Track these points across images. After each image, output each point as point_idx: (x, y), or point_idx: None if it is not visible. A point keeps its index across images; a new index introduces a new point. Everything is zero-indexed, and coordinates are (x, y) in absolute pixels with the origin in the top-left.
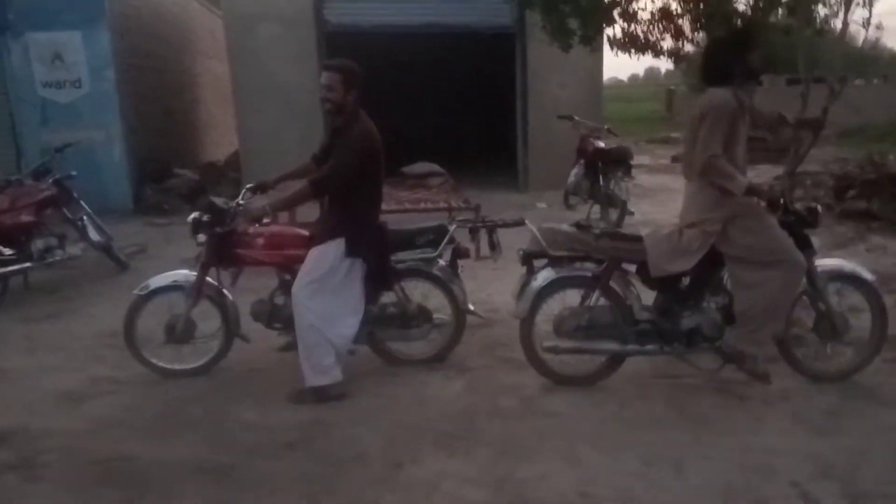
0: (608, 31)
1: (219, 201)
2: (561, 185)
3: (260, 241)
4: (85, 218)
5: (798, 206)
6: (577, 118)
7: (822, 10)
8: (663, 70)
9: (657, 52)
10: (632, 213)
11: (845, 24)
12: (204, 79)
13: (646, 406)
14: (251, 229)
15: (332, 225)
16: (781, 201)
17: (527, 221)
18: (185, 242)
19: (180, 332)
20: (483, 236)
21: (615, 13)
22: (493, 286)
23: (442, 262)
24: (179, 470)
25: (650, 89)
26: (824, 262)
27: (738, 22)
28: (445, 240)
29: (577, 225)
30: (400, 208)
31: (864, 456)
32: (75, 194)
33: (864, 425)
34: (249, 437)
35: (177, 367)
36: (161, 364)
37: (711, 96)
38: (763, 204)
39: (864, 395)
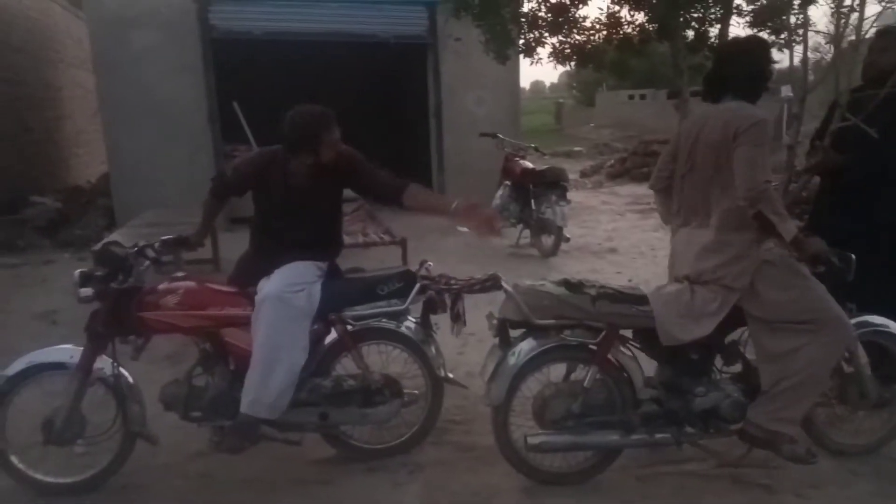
0: (552, 40)
1: (117, 249)
2: (482, 207)
3: (172, 300)
4: None
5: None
6: (500, 136)
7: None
8: (548, 83)
9: (600, 65)
10: (567, 240)
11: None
12: (70, 92)
13: None
14: (160, 285)
15: (305, 249)
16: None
17: (503, 281)
18: (41, 289)
19: (60, 431)
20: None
21: (560, 20)
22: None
23: (412, 319)
24: None
25: (537, 102)
26: (852, 320)
27: (691, 34)
28: (415, 289)
29: (566, 283)
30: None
31: None
32: None
33: None
34: None
35: (58, 480)
36: (36, 475)
37: (747, 111)
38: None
39: None
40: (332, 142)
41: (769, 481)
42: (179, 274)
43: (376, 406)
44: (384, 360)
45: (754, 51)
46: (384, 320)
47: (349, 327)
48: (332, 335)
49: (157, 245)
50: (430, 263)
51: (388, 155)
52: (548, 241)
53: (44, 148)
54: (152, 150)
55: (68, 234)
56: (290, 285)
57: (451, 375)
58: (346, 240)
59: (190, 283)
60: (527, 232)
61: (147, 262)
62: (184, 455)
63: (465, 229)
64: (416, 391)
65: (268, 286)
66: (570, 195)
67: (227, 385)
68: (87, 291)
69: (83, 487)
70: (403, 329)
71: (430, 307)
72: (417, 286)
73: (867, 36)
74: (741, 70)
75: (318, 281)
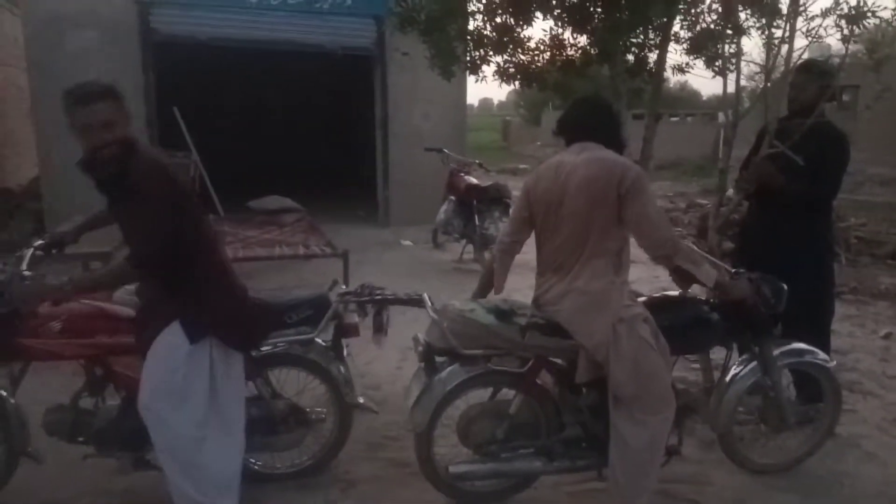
0: (497, 59)
1: None
2: (425, 221)
3: (55, 325)
4: None
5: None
6: (446, 151)
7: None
8: (496, 101)
9: (544, 85)
10: None
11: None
12: (4, 92)
13: None
14: (43, 309)
15: (161, 305)
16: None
17: (428, 304)
18: None
19: None
20: (370, 312)
21: (505, 40)
22: (369, 353)
23: (322, 343)
24: None
25: (485, 119)
26: (780, 347)
27: (631, 59)
28: (327, 316)
29: (497, 310)
30: (250, 255)
31: None
32: None
33: None
34: None
35: None
36: None
37: (625, 160)
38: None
39: (823, 493)
40: (81, 124)
41: (697, 497)
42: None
43: (279, 434)
44: (296, 383)
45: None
46: (293, 346)
47: (253, 353)
48: None
49: (28, 256)
50: (344, 286)
51: (333, 167)
52: (488, 254)
53: None
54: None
55: None
56: (159, 381)
57: (361, 400)
58: (286, 251)
59: (75, 306)
60: (470, 247)
61: (25, 280)
62: (105, 471)
63: (408, 242)
64: (322, 414)
65: (140, 395)
66: None
67: (117, 413)
68: None
69: None
70: (311, 355)
71: (342, 332)
72: (330, 312)
73: (796, 65)
74: (608, 123)
75: (184, 345)
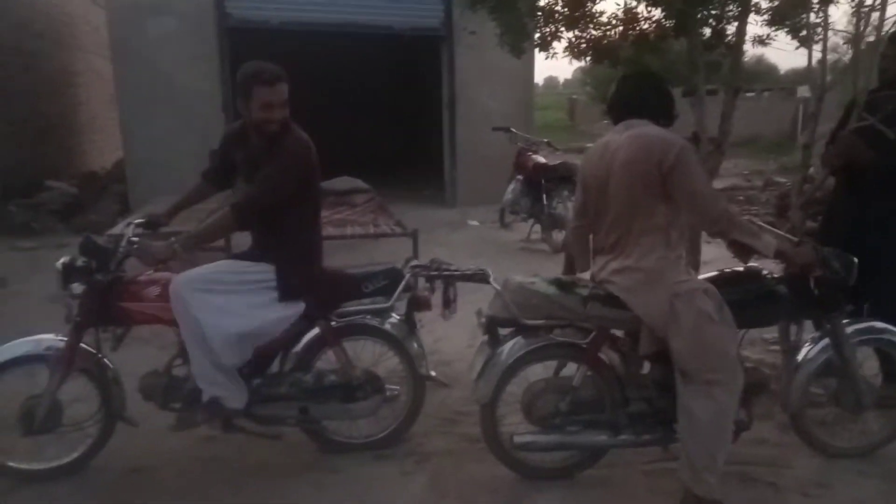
0: (568, 35)
1: (101, 240)
2: (493, 201)
3: (154, 291)
4: None
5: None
6: (513, 130)
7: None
8: (562, 79)
9: (616, 61)
10: None
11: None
12: (86, 78)
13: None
14: (142, 276)
15: (261, 250)
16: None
17: (490, 277)
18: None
19: (42, 420)
20: (438, 287)
21: (576, 15)
22: (440, 331)
23: (396, 316)
24: None
25: (551, 98)
26: (855, 324)
27: (708, 31)
28: (400, 287)
29: (558, 282)
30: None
31: None
32: None
33: None
34: None
35: (35, 466)
36: (13, 464)
37: (667, 135)
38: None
39: None
40: (263, 102)
41: (776, 479)
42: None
43: (357, 401)
44: (371, 355)
45: (660, 85)
46: (368, 317)
47: (332, 323)
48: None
49: (130, 231)
50: (416, 260)
51: (402, 147)
52: (558, 236)
53: (59, 134)
54: (167, 137)
55: (83, 219)
56: (206, 277)
57: (433, 373)
58: (357, 230)
59: (172, 275)
60: (537, 227)
61: (126, 251)
62: (193, 439)
63: (474, 222)
64: (397, 387)
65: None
66: None
67: None
68: (78, 288)
69: (59, 472)
70: (387, 326)
71: (415, 305)
72: (403, 283)
73: (887, 36)
74: (655, 99)
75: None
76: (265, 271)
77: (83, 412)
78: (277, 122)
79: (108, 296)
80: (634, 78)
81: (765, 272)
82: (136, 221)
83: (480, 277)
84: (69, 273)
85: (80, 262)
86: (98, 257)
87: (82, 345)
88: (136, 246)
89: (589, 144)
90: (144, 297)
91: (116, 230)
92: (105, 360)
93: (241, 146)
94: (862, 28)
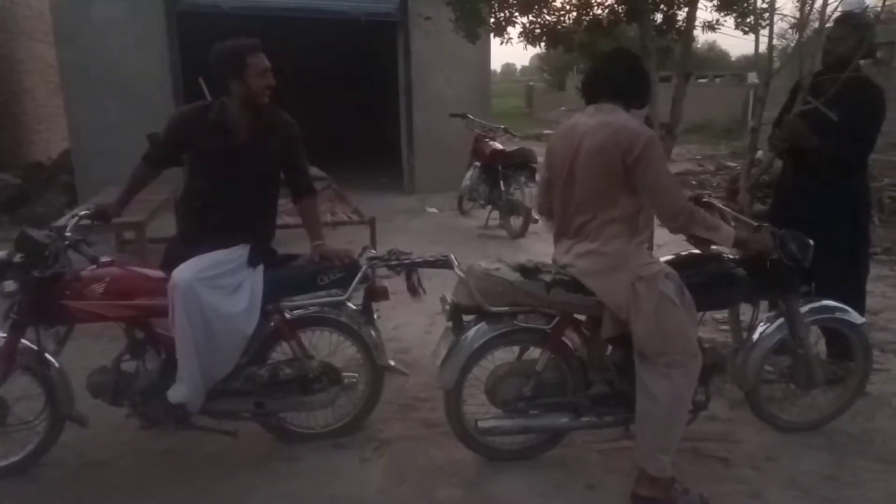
0: (523, 20)
1: (38, 234)
2: (451, 188)
3: (98, 288)
4: None
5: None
6: (470, 116)
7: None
8: (519, 66)
9: (570, 47)
10: (536, 221)
11: (691, 22)
12: (30, 66)
13: (620, 483)
14: (85, 272)
15: (234, 231)
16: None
17: (454, 264)
18: None
19: None
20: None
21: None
22: (399, 318)
23: (352, 306)
24: None
25: (508, 85)
26: (808, 304)
27: (659, 17)
28: (357, 278)
29: (522, 268)
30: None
31: None
32: None
33: (874, 492)
34: None
35: None
36: None
37: (634, 125)
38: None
39: (857, 452)
40: (261, 68)
41: (727, 454)
42: (105, 258)
43: (314, 394)
44: (328, 345)
45: (634, 62)
46: (324, 308)
47: (287, 315)
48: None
49: (72, 224)
50: (373, 250)
51: (360, 134)
52: (516, 222)
53: (2, 123)
54: (115, 125)
55: (28, 211)
56: (207, 267)
57: (392, 363)
58: None
59: (117, 270)
60: (496, 213)
61: (66, 245)
62: (146, 432)
63: (433, 209)
64: (355, 376)
65: (179, 271)
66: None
67: (158, 374)
68: (10, 286)
69: (5, 472)
70: (343, 317)
71: (372, 295)
72: (359, 275)
73: (830, 22)
74: (625, 80)
75: (243, 262)
76: (242, 254)
77: (30, 410)
78: (273, 89)
79: (48, 293)
80: (609, 58)
81: (723, 254)
82: (83, 213)
83: (444, 264)
84: (2, 270)
85: (16, 257)
86: (33, 253)
87: (24, 342)
88: (73, 240)
89: (547, 131)
90: (88, 296)
91: (61, 222)
92: (48, 357)
93: (201, 133)
94: (807, 11)
